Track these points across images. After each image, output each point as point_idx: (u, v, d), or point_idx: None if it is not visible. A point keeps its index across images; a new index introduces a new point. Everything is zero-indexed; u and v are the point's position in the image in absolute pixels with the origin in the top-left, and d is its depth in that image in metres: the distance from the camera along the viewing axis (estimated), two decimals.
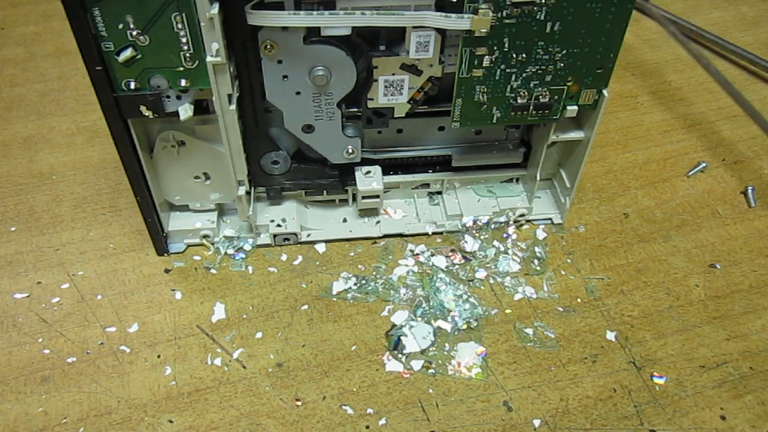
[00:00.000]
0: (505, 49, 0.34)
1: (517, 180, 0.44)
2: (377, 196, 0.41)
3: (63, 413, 0.34)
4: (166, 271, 0.40)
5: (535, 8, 0.32)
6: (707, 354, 0.38)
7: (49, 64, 0.55)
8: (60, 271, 0.40)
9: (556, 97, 0.37)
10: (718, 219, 0.46)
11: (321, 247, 0.42)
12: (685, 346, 0.38)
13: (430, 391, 0.36)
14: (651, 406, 0.36)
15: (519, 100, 0.36)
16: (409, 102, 0.37)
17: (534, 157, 0.42)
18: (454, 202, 0.43)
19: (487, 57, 0.34)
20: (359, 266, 0.41)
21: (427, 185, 0.43)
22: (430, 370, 0.36)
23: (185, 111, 0.34)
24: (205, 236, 0.41)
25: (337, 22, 0.31)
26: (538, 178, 0.42)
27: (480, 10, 0.32)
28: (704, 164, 0.49)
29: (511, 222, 0.43)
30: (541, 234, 0.44)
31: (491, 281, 0.41)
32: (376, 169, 0.41)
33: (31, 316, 0.38)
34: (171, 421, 0.34)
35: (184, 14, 0.30)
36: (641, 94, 0.56)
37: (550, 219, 0.44)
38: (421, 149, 0.42)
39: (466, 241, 0.42)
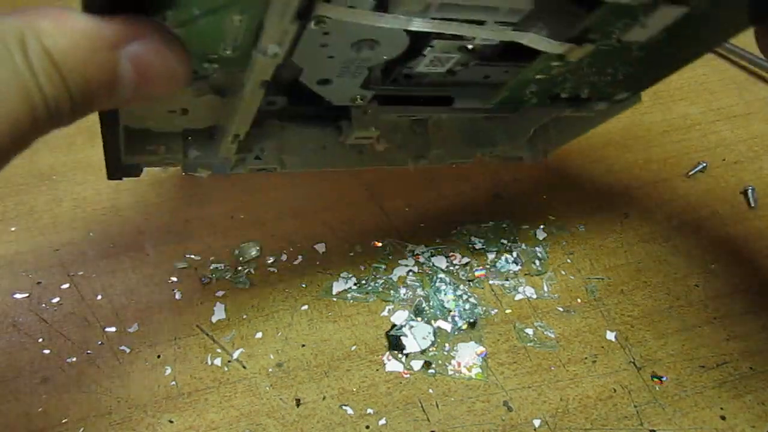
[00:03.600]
0: (580, 65, 0.31)
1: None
2: (371, 137, 0.36)
3: (63, 413, 0.34)
4: (172, 280, 0.40)
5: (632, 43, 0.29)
6: (707, 354, 0.38)
7: None
8: (60, 271, 0.40)
9: (594, 95, 0.35)
10: (718, 219, 0.46)
11: (321, 247, 0.42)
12: (685, 346, 0.38)
13: (430, 391, 0.36)
14: (651, 406, 0.36)
15: (562, 95, 0.34)
16: (446, 73, 0.33)
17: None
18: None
19: (557, 67, 0.31)
20: (359, 266, 0.41)
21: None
22: (430, 370, 0.36)
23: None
24: (167, 160, 0.34)
25: (430, 27, 0.26)
26: (530, 133, 0.39)
27: (585, 42, 0.28)
28: (704, 164, 0.49)
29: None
30: (541, 234, 0.44)
31: (491, 281, 0.41)
32: (374, 108, 0.35)
33: (31, 316, 0.38)
34: (171, 421, 0.34)
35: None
36: (641, 94, 0.56)
37: (520, 156, 0.42)
38: (422, 89, 0.36)
39: (473, 243, 0.42)
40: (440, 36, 0.29)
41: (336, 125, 0.37)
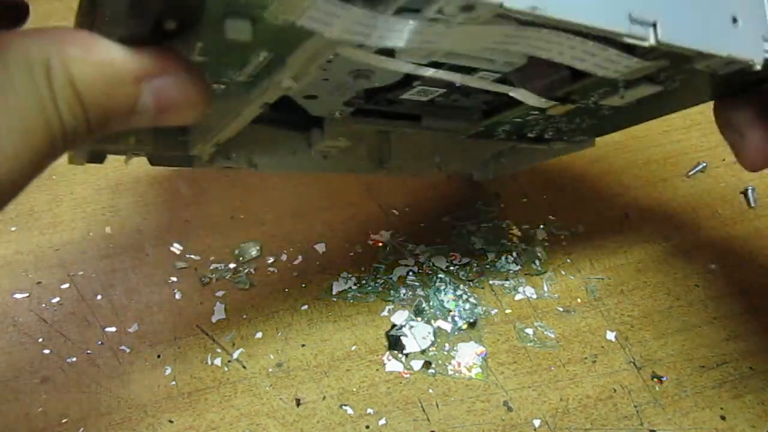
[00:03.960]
0: (555, 116, 0.32)
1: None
2: (339, 146, 0.37)
3: (63, 413, 0.34)
4: (172, 280, 0.40)
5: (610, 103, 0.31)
6: (707, 354, 0.38)
7: None
8: (60, 271, 0.40)
9: (556, 136, 0.37)
10: (718, 219, 0.46)
11: (321, 247, 0.42)
12: (685, 346, 0.38)
13: (430, 391, 0.36)
14: (651, 406, 0.36)
15: (529, 135, 0.36)
16: (427, 103, 0.34)
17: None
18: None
19: (534, 116, 0.33)
20: (359, 266, 0.41)
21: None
22: (430, 370, 0.36)
23: None
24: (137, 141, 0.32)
25: (432, 74, 0.26)
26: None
27: (567, 102, 0.29)
28: (704, 164, 0.49)
29: None
30: (541, 234, 0.44)
31: (491, 281, 0.41)
32: (346, 119, 0.35)
33: (31, 316, 0.38)
34: (171, 421, 0.34)
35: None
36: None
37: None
38: (398, 106, 0.37)
39: (473, 243, 0.42)
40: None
41: (305, 132, 0.37)
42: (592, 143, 0.38)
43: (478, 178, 0.44)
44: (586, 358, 0.38)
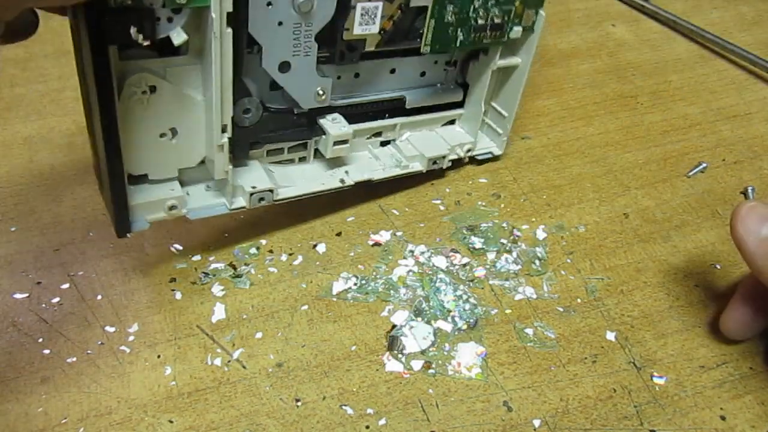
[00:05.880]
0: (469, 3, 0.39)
1: (453, 122, 0.48)
2: (346, 141, 0.41)
3: (63, 413, 0.34)
4: (172, 280, 0.40)
5: None
6: (707, 354, 0.38)
7: (49, 64, 0.55)
8: (60, 271, 0.40)
9: (506, 18, 0.41)
10: (718, 219, 0.46)
11: (321, 247, 0.42)
12: (685, 346, 0.38)
13: (430, 391, 0.36)
14: (651, 406, 0.36)
15: (479, 21, 0.40)
16: (379, 33, 0.39)
17: (473, 91, 0.46)
18: (409, 147, 0.46)
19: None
20: (359, 266, 0.41)
21: (380, 134, 0.45)
22: (430, 370, 0.36)
23: (178, 35, 0.32)
24: (172, 207, 0.37)
25: None
26: (483, 108, 0.46)
27: None
28: (704, 164, 0.49)
29: (465, 159, 0.47)
30: (541, 234, 0.44)
31: (491, 281, 0.41)
32: (339, 117, 0.41)
33: (31, 316, 0.38)
34: (171, 421, 0.34)
35: None
36: (641, 94, 0.56)
37: (491, 152, 0.49)
38: (376, 94, 0.43)
39: (473, 243, 0.42)
40: None
41: (310, 152, 0.43)
42: (540, 16, 0.43)
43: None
44: (586, 358, 0.38)
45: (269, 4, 0.34)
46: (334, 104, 0.41)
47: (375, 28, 0.38)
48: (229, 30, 0.32)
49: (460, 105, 0.47)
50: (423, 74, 0.45)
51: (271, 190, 0.40)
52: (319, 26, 0.36)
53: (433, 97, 0.46)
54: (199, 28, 0.33)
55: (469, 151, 0.47)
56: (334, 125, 0.41)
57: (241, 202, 0.39)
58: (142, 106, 0.34)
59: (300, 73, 0.37)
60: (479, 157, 0.48)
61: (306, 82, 0.38)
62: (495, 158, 0.49)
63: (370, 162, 0.45)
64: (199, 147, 0.37)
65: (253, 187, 0.39)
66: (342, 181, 0.43)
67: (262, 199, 0.40)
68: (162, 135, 0.36)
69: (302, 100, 0.39)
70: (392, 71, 0.43)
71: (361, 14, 0.37)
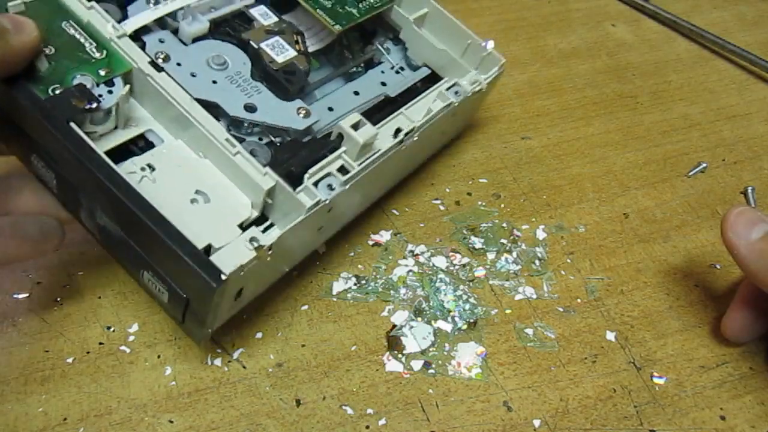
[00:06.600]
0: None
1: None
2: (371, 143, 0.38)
3: (63, 413, 0.34)
4: None
5: None
6: (707, 354, 0.38)
7: None
8: (60, 271, 0.40)
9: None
10: (717, 219, 0.46)
11: (321, 247, 0.42)
12: (685, 346, 0.38)
13: (430, 391, 0.36)
14: (651, 406, 0.36)
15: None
16: (300, 53, 0.40)
17: (423, 54, 0.46)
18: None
19: None
20: (359, 266, 0.41)
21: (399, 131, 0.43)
22: (430, 370, 0.36)
23: (118, 91, 0.34)
24: (253, 239, 0.32)
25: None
26: (451, 57, 0.45)
27: None
28: (704, 164, 0.49)
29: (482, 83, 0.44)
30: (541, 234, 0.44)
31: (491, 281, 0.41)
32: (357, 116, 0.37)
33: (31, 316, 0.38)
34: (171, 421, 0.34)
35: (70, 21, 0.34)
36: (641, 94, 0.56)
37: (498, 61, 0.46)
38: (360, 108, 0.42)
39: (472, 243, 0.42)
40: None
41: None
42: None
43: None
44: (586, 358, 0.38)
45: (193, 75, 0.37)
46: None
47: (292, 53, 0.40)
48: (162, 74, 0.34)
49: (439, 78, 0.45)
50: (384, 84, 0.44)
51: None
52: (246, 69, 0.39)
53: (408, 80, 0.44)
54: (147, 93, 0.35)
55: (475, 83, 0.43)
56: (360, 132, 0.36)
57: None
58: (153, 185, 0.33)
59: (267, 107, 0.38)
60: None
61: (279, 111, 0.38)
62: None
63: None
64: (241, 197, 0.34)
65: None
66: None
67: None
68: (192, 201, 0.33)
69: (294, 124, 0.38)
70: (356, 93, 0.43)
71: (270, 48, 0.40)
